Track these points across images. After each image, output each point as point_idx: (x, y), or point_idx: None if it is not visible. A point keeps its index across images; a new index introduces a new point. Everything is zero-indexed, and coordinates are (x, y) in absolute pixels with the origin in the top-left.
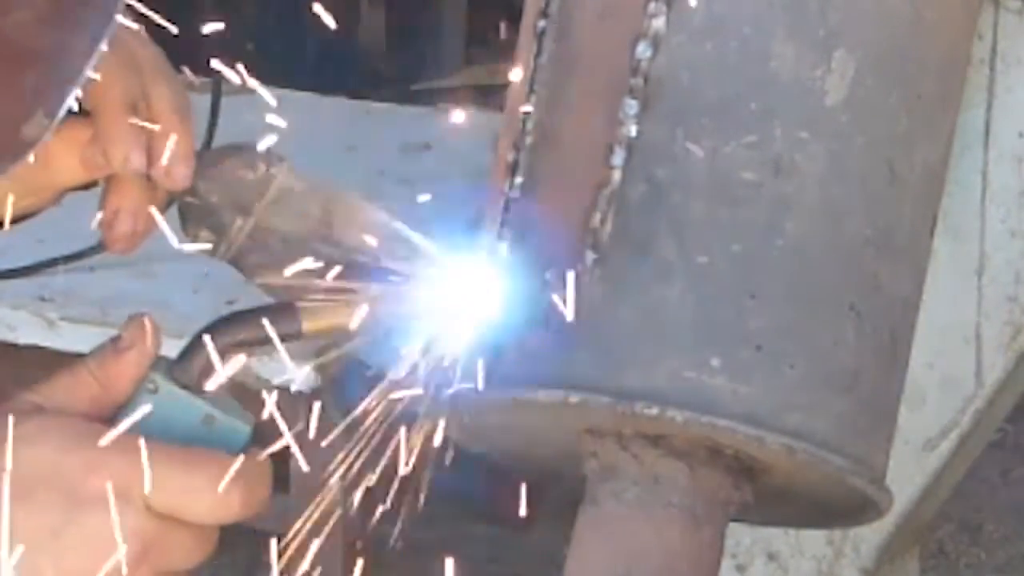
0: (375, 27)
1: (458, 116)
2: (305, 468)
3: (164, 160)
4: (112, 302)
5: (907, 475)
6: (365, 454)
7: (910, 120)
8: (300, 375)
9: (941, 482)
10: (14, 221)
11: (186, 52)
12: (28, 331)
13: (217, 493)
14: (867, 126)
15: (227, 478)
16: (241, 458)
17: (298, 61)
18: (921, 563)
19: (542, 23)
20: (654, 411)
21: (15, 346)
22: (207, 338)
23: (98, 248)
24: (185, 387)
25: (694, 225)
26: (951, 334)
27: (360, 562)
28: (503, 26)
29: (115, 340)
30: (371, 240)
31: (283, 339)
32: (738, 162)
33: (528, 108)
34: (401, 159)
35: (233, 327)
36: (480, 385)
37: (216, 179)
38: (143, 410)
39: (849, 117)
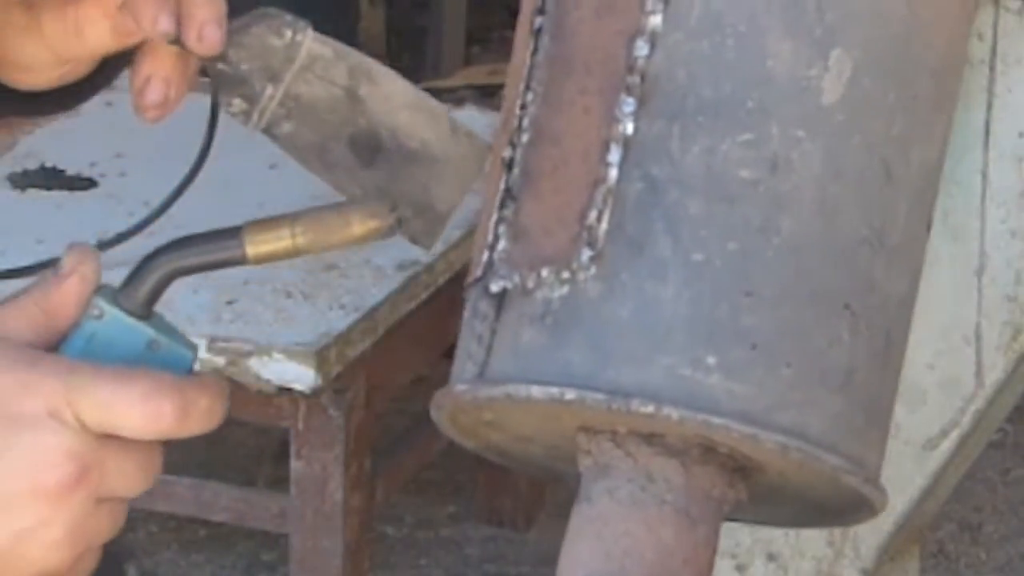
0: (375, 27)
1: (458, 116)
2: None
3: (195, 24)
4: None
5: (907, 475)
6: (366, 453)
7: (906, 120)
8: (300, 375)
9: (941, 482)
10: (51, 92)
11: None
12: None
13: (149, 403)
14: (863, 125)
15: (159, 389)
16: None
17: None
18: (921, 563)
19: (539, 20)
20: (649, 409)
21: None
22: (151, 263)
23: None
24: (130, 313)
25: (690, 223)
26: (951, 334)
27: (360, 561)
28: (502, 26)
29: (56, 268)
30: (395, 107)
31: (228, 265)
32: (734, 160)
33: (524, 105)
34: None
35: (177, 253)
36: (474, 381)
37: (245, 46)
38: (86, 335)
39: (845, 116)
